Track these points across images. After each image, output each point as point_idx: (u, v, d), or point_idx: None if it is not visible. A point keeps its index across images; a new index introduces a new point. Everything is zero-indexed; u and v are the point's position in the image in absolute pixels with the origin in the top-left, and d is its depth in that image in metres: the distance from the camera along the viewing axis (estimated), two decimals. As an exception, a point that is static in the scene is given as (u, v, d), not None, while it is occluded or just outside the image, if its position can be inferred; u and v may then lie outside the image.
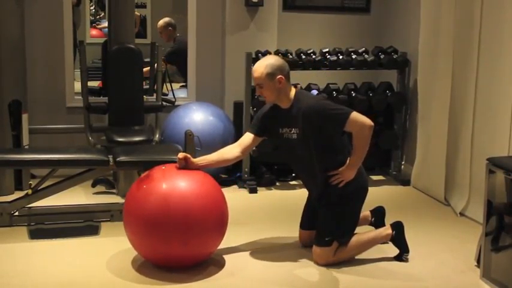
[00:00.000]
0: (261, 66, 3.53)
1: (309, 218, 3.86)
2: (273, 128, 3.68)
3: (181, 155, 3.54)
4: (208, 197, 3.45)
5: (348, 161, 3.57)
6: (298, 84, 3.61)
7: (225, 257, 3.77)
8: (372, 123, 3.51)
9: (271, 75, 3.50)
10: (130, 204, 3.48)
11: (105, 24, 7.71)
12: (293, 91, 3.59)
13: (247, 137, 3.70)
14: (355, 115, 3.47)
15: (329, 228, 3.65)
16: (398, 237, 3.78)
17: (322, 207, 3.69)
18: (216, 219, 3.49)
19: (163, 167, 3.58)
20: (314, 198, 3.77)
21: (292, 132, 3.59)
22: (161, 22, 7.00)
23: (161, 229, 3.32)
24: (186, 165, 3.52)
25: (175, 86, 6.45)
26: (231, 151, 3.68)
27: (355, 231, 3.73)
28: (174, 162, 3.62)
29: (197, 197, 3.39)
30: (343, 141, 3.64)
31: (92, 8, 9.07)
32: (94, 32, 8.91)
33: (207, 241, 3.49)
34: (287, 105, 3.58)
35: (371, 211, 4.11)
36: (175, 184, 3.43)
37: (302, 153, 3.63)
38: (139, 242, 3.47)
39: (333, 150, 3.59)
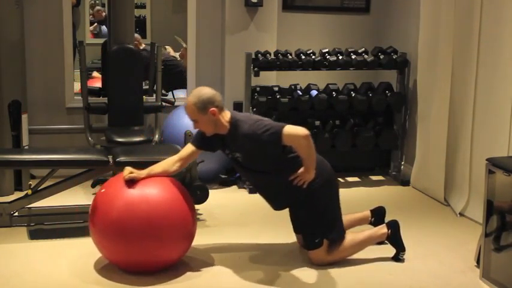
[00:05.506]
0: (191, 103, 3.46)
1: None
2: (217, 146, 3.65)
3: (127, 170, 3.48)
4: (172, 203, 3.43)
5: (303, 165, 3.49)
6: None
7: (225, 257, 3.77)
8: (307, 132, 3.38)
9: (202, 109, 3.44)
10: (96, 209, 3.46)
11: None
12: (228, 116, 3.51)
13: (189, 149, 3.64)
14: (287, 130, 3.36)
15: (312, 229, 3.63)
16: (394, 236, 3.78)
17: (297, 211, 3.67)
18: (180, 226, 3.45)
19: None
20: (277, 207, 3.73)
21: (237, 156, 3.56)
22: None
23: (125, 234, 3.33)
24: (132, 177, 3.45)
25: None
26: (173, 166, 3.58)
27: (345, 229, 3.71)
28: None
29: (160, 202, 3.39)
30: (291, 148, 3.53)
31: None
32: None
33: (168, 247, 3.45)
34: (225, 132, 3.51)
35: (371, 211, 4.10)
36: (140, 189, 3.42)
37: (252, 172, 3.63)
38: (105, 246, 3.48)
39: (283, 161, 3.53)
